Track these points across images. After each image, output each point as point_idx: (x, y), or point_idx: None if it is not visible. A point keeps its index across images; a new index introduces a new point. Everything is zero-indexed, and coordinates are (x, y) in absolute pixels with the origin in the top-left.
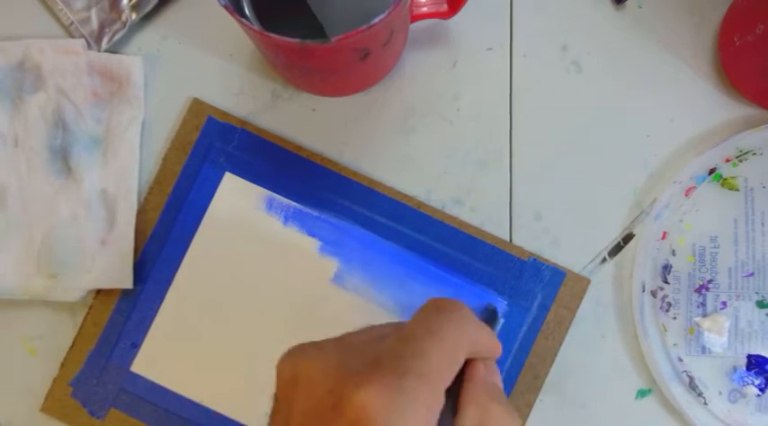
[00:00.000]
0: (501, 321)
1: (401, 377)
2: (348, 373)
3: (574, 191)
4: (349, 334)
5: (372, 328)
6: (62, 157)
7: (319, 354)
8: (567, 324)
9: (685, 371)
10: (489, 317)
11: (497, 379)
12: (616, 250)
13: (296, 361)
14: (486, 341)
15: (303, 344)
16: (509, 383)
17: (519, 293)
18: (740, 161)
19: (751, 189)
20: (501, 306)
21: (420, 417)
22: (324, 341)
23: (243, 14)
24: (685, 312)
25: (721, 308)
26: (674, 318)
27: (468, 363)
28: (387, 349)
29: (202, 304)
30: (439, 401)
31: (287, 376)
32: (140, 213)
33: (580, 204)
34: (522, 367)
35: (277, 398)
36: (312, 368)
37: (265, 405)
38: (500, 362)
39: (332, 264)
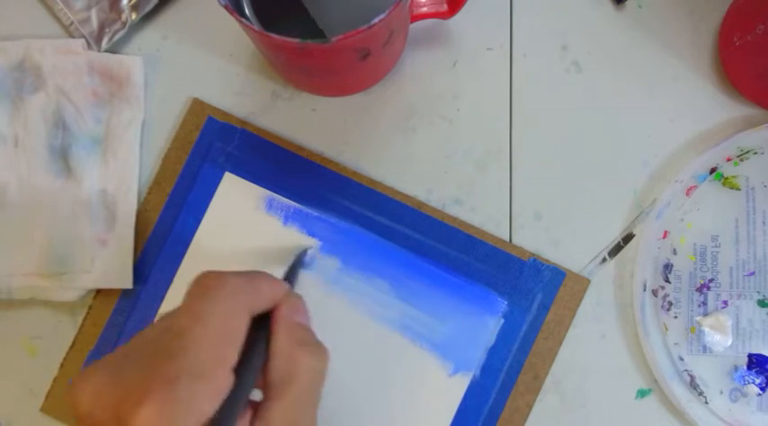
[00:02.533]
0: (309, 258)
1: (173, 382)
2: (124, 396)
3: (574, 191)
4: (131, 340)
5: (150, 327)
6: (62, 157)
7: (94, 383)
8: (567, 324)
9: (686, 370)
10: (295, 260)
11: (302, 316)
12: (616, 250)
13: (76, 399)
14: (271, 295)
15: (81, 375)
16: (509, 383)
17: (519, 293)
18: (741, 160)
19: (752, 188)
20: (501, 306)
21: (200, 412)
22: (100, 360)
23: (243, 14)
24: (686, 311)
25: (722, 307)
26: (675, 317)
27: (271, 311)
28: (159, 350)
29: None
30: (221, 386)
31: (74, 413)
32: (140, 213)
33: (580, 204)
34: (522, 367)
35: None
36: (91, 401)
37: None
38: (500, 362)
39: (332, 264)
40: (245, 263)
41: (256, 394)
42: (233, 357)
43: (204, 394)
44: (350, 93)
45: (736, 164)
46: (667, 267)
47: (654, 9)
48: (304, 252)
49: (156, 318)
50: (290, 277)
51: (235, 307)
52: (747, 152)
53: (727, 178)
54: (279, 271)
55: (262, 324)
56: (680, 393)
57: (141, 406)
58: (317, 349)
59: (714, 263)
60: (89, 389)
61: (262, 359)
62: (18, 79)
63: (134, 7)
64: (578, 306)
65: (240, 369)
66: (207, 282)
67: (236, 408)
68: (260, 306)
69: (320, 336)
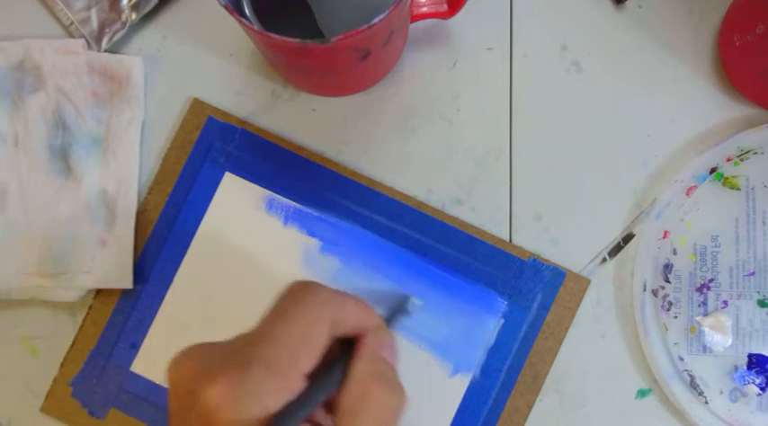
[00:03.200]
0: (411, 307)
1: (246, 368)
2: (203, 373)
3: (574, 191)
4: (235, 339)
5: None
6: (62, 157)
7: (185, 360)
8: (567, 324)
9: (686, 370)
10: (396, 306)
11: (388, 351)
12: (616, 250)
13: (169, 368)
14: (357, 317)
15: (181, 350)
16: (509, 383)
17: (519, 293)
18: (741, 160)
19: (752, 188)
20: (501, 306)
21: (264, 404)
22: (198, 345)
23: (243, 14)
24: (686, 311)
25: (722, 307)
26: (675, 317)
27: (357, 339)
28: (244, 342)
29: (202, 304)
30: (290, 386)
31: (168, 377)
32: (140, 213)
33: (580, 204)
34: (522, 367)
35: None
36: (178, 373)
37: None
38: (500, 362)
39: (332, 264)
40: (245, 263)
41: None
42: (308, 363)
43: (272, 388)
44: (350, 93)
45: (736, 163)
46: (667, 267)
47: (654, 9)
48: (406, 300)
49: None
50: (389, 319)
51: (318, 316)
52: (747, 152)
53: (727, 178)
54: (280, 271)
55: (348, 349)
56: (680, 393)
57: (213, 383)
58: (395, 387)
59: (714, 263)
60: (181, 361)
61: (338, 380)
62: (18, 79)
63: (134, 7)
64: (578, 306)
65: (314, 380)
66: (297, 288)
67: (299, 413)
68: (345, 323)
69: None
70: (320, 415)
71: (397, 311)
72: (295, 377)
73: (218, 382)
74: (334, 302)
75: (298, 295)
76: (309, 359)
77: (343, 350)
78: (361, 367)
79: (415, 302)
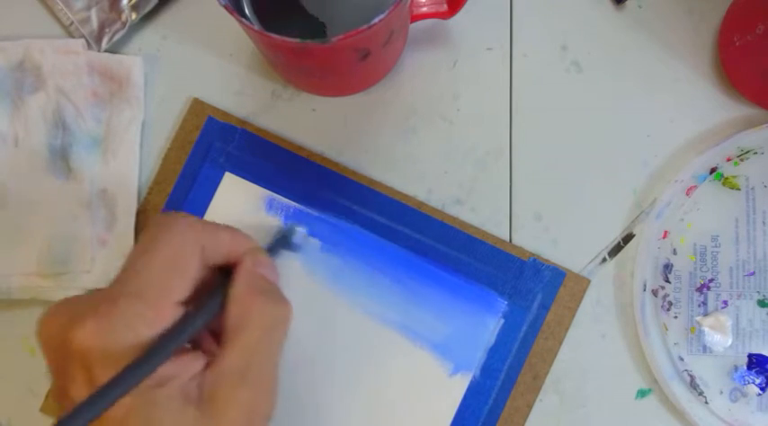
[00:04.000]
0: (297, 238)
1: (114, 303)
2: (71, 319)
3: (574, 191)
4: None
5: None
6: (62, 157)
7: (52, 314)
8: (567, 324)
9: (686, 370)
10: (280, 236)
11: (266, 269)
12: (616, 250)
13: (38, 327)
14: (230, 243)
15: (48, 307)
16: (509, 383)
17: (519, 293)
18: (741, 160)
19: (752, 188)
20: (501, 306)
21: (136, 332)
22: (64, 298)
23: (243, 14)
24: (686, 311)
25: (722, 307)
26: (675, 317)
27: (234, 265)
28: (112, 281)
29: None
30: (162, 314)
31: (38, 340)
32: (140, 213)
33: (580, 204)
34: (522, 367)
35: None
36: (47, 328)
37: None
38: (500, 362)
39: (332, 264)
40: None
41: None
42: (180, 290)
43: (143, 317)
44: (350, 93)
45: (736, 163)
46: (667, 267)
47: (654, 9)
48: (291, 229)
49: None
50: (271, 249)
51: (184, 241)
52: (747, 152)
53: (727, 178)
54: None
55: (227, 277)
56: (680, 393)
57: (81, 325)
58: (278, 299)
59: (714, 263)
60: (46, 320)
61: (218, 304)
62: (18, 79)
63: (134, 7)
64: (578, 306)
65: (191, 309)
66: (162, 217)
67: (174, 341)
68: (217, 251)
69: (319, 335)
70: (212, 346)
71: (280, 241)
72: (167, 305)
73: (86, 322)
74: (201, 228)
75: (163, 222)
76: (181, 286)
77: (223, 278)
78: (239, 286)
79: (300, 231)
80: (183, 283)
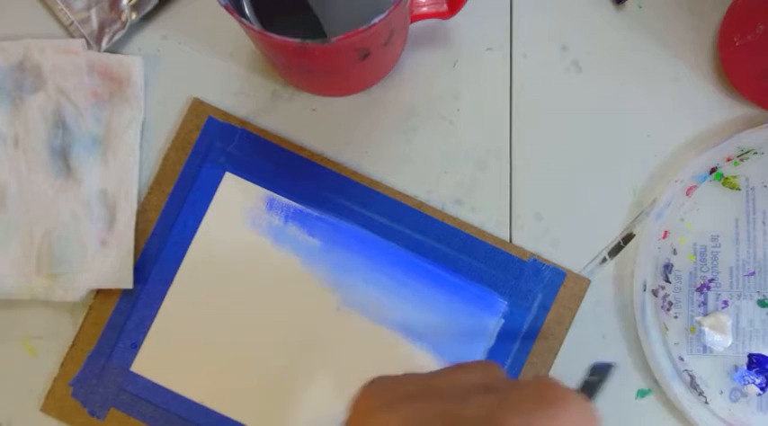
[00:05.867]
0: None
1: None
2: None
3: (574, 191)
4: (432, 377)
5: (456, 375)
6: (62, 157)
7: (396, 414)
8: (567, 324)
9: (686, 370)
10: (594, 379)
11: None
12: (616, 250)
13: (369, 412)
14: None
15: (381, 389)
16: None
17: (519, 293)
18: (741, 160)
19: (752, 188)
20: (501, 306)
21: None
22: (403, 384)
23: (243, 14)
24: (686, 311)
25: (722, 307)
26: (676, 317)
27: None
28: (480, 413)
29: (202, 304)
30: None
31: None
32: (140, 213)
33: (580, 204)
34: (522, 367)
35: None
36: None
37: (264, 404)
38: (500, 362)
39: (332, 264)
40: (246, 263)
41: None
42: None
43: None
44: (350, 93)
45: (736, 163)
46: (667, 267)
47: (654, 9)
48: (609, 367)
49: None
50: (591, 392)
51: None
52: (747, 152)
53: (727, 178)
54: (280, 271)
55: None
56: (680, 393)
57: None
58: None
59: (714, 263)
60: (395, 421)
61: None
62: (18, 79)
63: (134, 7)
64: (578, 306)
65: None
66: (558, 394)
67: None
68: None
69: (319, 336)
70: None
71: (598, 383)
72: None
73: None
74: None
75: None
76: None
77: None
78: None
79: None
80: None
